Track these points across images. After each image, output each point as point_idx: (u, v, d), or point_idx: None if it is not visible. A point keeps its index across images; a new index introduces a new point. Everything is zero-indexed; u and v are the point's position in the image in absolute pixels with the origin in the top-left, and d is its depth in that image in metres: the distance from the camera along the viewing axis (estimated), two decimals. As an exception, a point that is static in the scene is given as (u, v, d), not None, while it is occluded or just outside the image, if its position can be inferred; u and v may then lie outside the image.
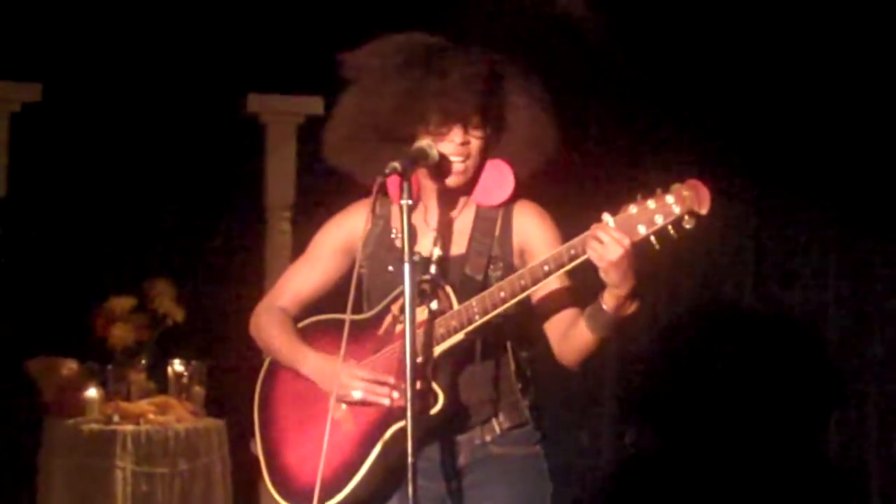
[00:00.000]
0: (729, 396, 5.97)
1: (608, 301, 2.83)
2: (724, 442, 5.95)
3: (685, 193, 2.68)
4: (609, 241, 2.73)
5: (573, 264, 2.81)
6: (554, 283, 2.92)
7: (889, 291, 6.05)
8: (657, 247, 2.72)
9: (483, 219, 3.07)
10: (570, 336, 2.97)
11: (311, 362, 3.06)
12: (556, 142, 3.08)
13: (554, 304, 3.01)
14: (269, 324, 3.19)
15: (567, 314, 2.99)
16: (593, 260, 2.77)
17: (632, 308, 2.85)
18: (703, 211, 2.68)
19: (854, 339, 6.10)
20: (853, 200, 5.99)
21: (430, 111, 2.95)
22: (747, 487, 5.91)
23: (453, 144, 2.98)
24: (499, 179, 3.06)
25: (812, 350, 6.09)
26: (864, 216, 6.02)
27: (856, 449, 6.06)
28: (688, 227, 2.69)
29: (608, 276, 2.77)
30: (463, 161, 3.00)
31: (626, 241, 2.72)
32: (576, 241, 2.81)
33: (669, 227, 2.69)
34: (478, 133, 3.00)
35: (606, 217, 2.76)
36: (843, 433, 6.08)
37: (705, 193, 2.68)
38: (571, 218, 2.99)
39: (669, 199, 2.68)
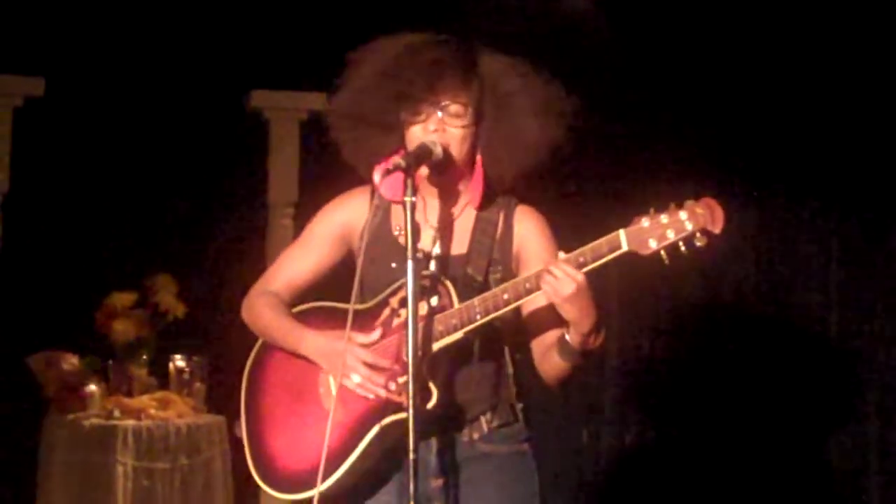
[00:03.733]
0: (729, 397, 5.97)
1: (572, 337, 2.86)
2: (724, 442, 5.95)
3: (699, 211, 2.67)
4: (562, 276, 2.74)
5: (530, 297, 2.82)
6: (542, 300, 2.89)
7: (891, 292, 6.06)
8: (667, 262, 2.72)
9: (485, 221, 3.05)
10: (547, 359, 2.98)
11: (310, 341, 3.03)
12: (541, 137, 3.01)
13: (539, 322, 3.00)
14: (264, 306, 3.16)
15: (550, 335, 2.98)
16: (547, 295, 2.78)
17: (597, 342, 2.87)
18: (717, 230, 2.67)
19: (855, 341, 6.10)
20: (855, 203, 6.00)
21: (403, 89, 2.94)
22: (746, 488, 5.91)
23: (428, 133, 2.94)
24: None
25: (813, 352, 6.09)
26: (866, 219, 6.03)
27: (856, 450, 6.06)
28: (699, 244, 2.69)
29: (564, 312, 2.79)
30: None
31: (580, 278, 2.74)
32: (532, 273, 2.83)
33: (680, 243, 2.69)
34: (456, 122, 2.96)
35: (560, 254, 2.78)
36: (843, 434, 6.08)
37: (719, 213, 2.67)
38: (583, 228, 2.96)
39: (683, 215, 2.68)
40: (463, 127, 2.97)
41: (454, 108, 2.96)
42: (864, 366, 6.07)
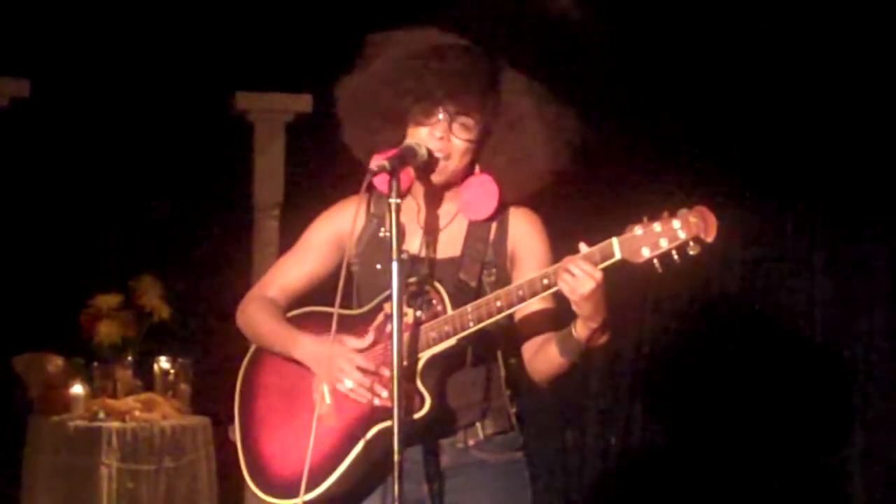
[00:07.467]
0: (715, 398, 5.99)
1: (580, 331, 2.85)
2: (710, 442, 5.97)
3: (692, 220, 2.67)
4: (580, 274, 2.74)
5: (547, 293, 2.82)
6: (536, 304, 2.90)
7: (875, 290, 6.09)
8: (660, 270, 2.72)
9: (478, 224, 3.05)
10: (541, 356, 2.97)
11: (305, 345, 3.02)
12: (549, 163, 3.03)
13: (533, 325, 3.00)
14: (258, 311, 3.15)
15: (543, 336, 2.98)
16: (564, 292, 2.77)
17: (603, 339, 2.87)
18: (709, 239, 2.67)
19: (840, 340, 6.13)
20: (840, 203, 6.03)
21: (423, 89, 2.94)
22: (732, 487, 5.93)
23: (433, 138, 2.95)
24: (482, 194, 3.03)
25: (798, 354, 6.11)
26: (851, 218, 6.05)
27: (841, 447, 6.09)
28: (692, 253, 2.69)
29: (580, 308, 2.78)
30: (443, 158, 2.97)
31: (598, 275, 2.74)
32: (550, 269, 2.82)
33: (673, 252, 2.70)
34: (463, 135, 2.97)
35: (582, 246, 2.77)
36: (828, 434, 6.10)
37: (712, 221, 2.68)
38: (575, 235, 2.96)
39: (676, 223, 2.68)
40: (468, 141, 2.98)
41: (465, 120, 2.96)
42: (849, 367, 6.10)
